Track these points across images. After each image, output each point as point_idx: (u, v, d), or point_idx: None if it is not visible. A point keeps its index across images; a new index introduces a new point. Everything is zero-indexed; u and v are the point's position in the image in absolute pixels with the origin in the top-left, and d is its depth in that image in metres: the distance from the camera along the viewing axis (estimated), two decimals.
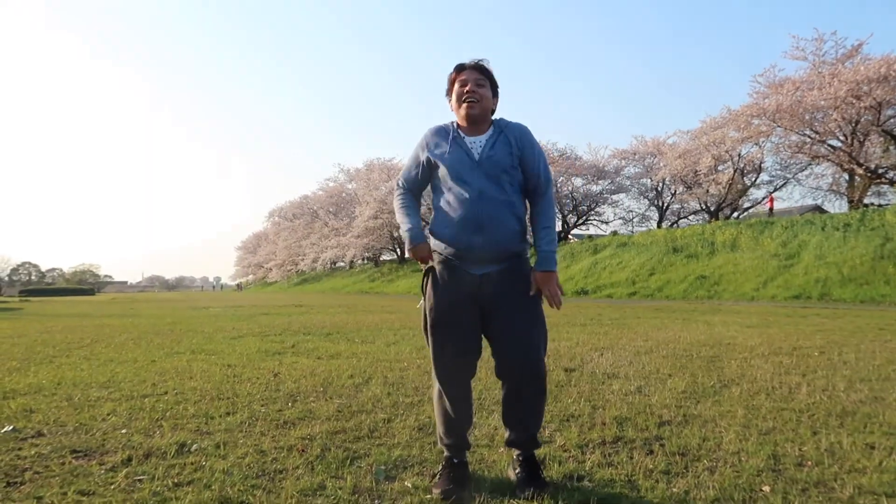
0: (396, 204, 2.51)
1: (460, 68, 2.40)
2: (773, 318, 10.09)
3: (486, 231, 2.25)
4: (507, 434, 2.41)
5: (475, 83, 2.36)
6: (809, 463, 2.54)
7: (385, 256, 55.81)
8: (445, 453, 2.40)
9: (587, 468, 2.52)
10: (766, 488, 2.26)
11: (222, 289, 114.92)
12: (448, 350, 2.29)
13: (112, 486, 2.31)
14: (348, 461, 2.60)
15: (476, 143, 2.36)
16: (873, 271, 15.81)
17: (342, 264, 59.88)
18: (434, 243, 2.38)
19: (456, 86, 2.40)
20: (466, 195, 2.27)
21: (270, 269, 74.60)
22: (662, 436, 2.97)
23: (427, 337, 2.37)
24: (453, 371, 2.32)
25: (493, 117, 2.45)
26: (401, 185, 2.52)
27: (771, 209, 31.32)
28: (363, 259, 56.41)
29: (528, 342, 2.28)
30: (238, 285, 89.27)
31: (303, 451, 2.75)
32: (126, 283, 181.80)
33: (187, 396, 4.01)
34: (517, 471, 2.34)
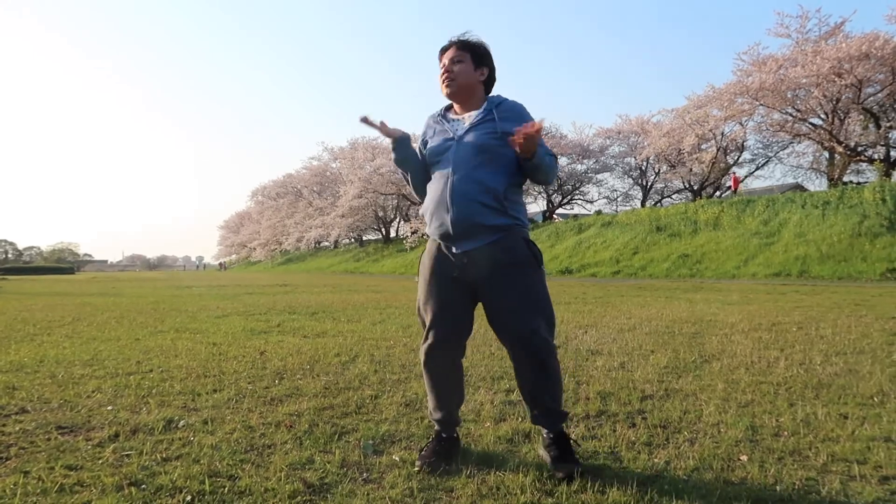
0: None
1: (443, 50, 2.40)
2: (753, 296, 10.26)
3: (456, 207, 2.22)
4: (527, 411, 2.41)
5: (451, 61, 2.36)
6: (786, 433, 2.61)
7: (370, 236, 55.69)
8: (436, 427, 2.42)
9: (571, 441, 2.56)
10: (744, 458, 2.33)
11: (205, 268, 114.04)
12: (435, 327, 2.29)
13: (100, 461, 2.32)
14: (336, 436, 2.63)
15: (459, 123, 2.36)
16: (851, 248, 16.08)
17: (327, 244, 59.64)
18: (427, 228, 2.42)
19: (440, 67, 2.41)
20: (442, 174, 2.30)
21: (254, 249, 74.12)
22: (645, 409, 3.03)
23: (419, 310, 2.39)
24: (440, 348, 2.31)
25: (491, 94, 2.43)
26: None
27: (735, 189, 31.57)
28: (348, 239, 56.25)
29: (518, 318, 2.23)
30: (221, 265, 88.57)
31: (291, 426, 2.77)
32: (106, 262, 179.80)
33: (173, 374, 4.00)
34: (549, 449, 2.29)
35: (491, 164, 2.26)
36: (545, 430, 2.34)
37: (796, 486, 2.04)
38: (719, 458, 2.33)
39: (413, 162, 2.44)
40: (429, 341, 2.31)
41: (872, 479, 2.10)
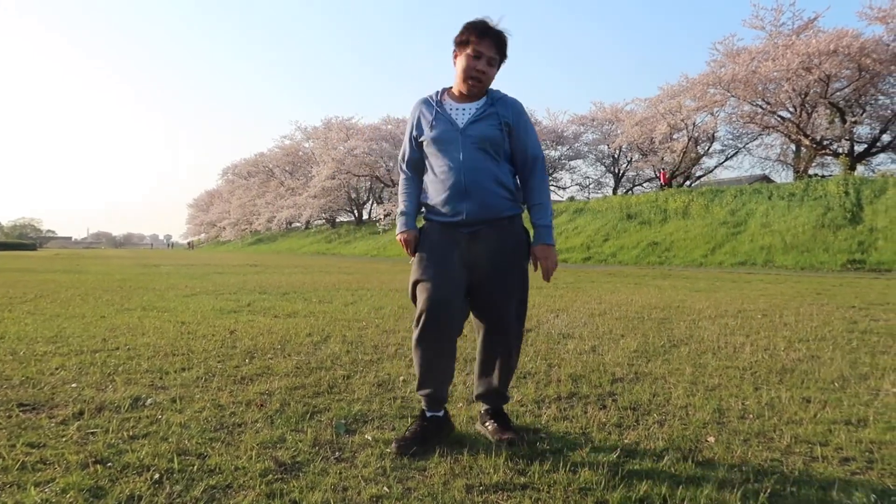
0: (399, 187, 2.51)
1: (482, 33, 2.25)
2: (719, 283, 10.47)
3: (473, 197, 2.26)
4: (476, 388, 2.46)
5: (487, 62, 2.28)
6: (751, 416, 2.67)
7: (342, 218, 55.26)
8: (422, 405, 2.37)
9: (543, 422, 2.59)
10: (711, 439, 2.38)
11: (173, 247, 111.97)
12: (437, 304, 2.22)
13: (63, 439, 2.26)
14: (308, 415, 2.61)
15: (462, 112, 2.33)
16: (814, 239, 16.50)
17: (298, 224, 58.95)
18: (427, 213, 2.41)
19: (469, 52, 2.27)
20: (452, 164, 2.28)
21: (224, 228, 72.92)
22: (615, 392, 3.07)
23: (414, 291, 2.33)
24: (440, 325, 2.24)
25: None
26: (403, 168, 2.48)
27: (664, 183, 32.69)
28: (320, 220, 55.70)
29: (506, 298, 2.31)
30: (189, 244, 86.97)
31: (262, 405, 2.74)
32: (70, 238, 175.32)
33: (140, 352, 3.93)
34: (486, 424, 2.38)
35: (498, 155, 2.32)
36: (485, 406, 2.44)
37: (761, 467, 2.09)
38: (687, 439, 2.37)
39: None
40: (428, 318, 2.22)
41: (834, 461, 2.17)
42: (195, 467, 2.01)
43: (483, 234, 2.29)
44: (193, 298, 7.59)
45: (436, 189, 2.33)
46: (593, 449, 2.25)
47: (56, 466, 2.00)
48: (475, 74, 2.28)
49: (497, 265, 2.30)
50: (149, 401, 2.78)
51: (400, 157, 2.49)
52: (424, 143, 2.36)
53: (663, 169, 34.30)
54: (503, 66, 2.38)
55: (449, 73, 2.45)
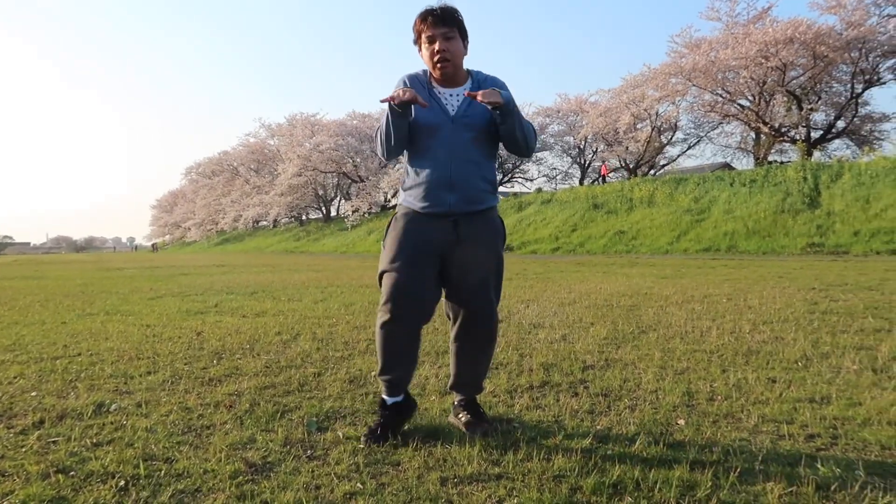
0: (378, 129, 2.27)
1: (424, 17, 2.22)
2: (685, 270, 10.66)
3: (458, 190, 2.24)
4: (452, 378, 2.45)
5: (444, 38, 2.22)
6: (719, 398, 2.72)
7: (311, 215, 54.72)
8: (382, 393, 2.36)
9: (516, 411, 2.59)
10: (682, 422, 2.41)
11: (136, 249, 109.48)
12: (407, 293, 2.21)
13: (23, 449, 2.18)
14: (279, 414, 2.56)
15: (452, 98, 2.29)
16: (775, 224, 16.92)
17: (265, 223, 58.20)
18: (404, 199, 2.34)
19: (423, 41, 2.25)
20: (439, 154, 2.24)
21: (189, 229, 71.55)
22: (586, 379, 3.10)
23: (382, 277, 2.30)
24: (408, 315, 2.24)
25: (467, 68, 2.35)
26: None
27: (604, 175, 34.22)
28: (288, 218, 55.05)
29: (486, 282, 2.30)
30: (153, 245, 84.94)
31: (231, 406, 2.68)
32: (29, 244, 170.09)
33: (103, 357, 3.82)
34: (460, 415, 2.38)
35: (483, 146, 2.31)
36: (458, 397, 2.43)
37: (730, 447, 2.13)
38: (658, 423, 2.40)
39: (406, 128, 2.23)
40: (395, 306, 2.21)
41: (800, 438, 2.22)
42: (162, 472, 1.96)
43: (462, 223, 2.27)
44: (158, 301, 7.42)
45: (418, 177, 2.28)
46: (566, 436, 2.26)
47: (15, 478, 1.93)
48: (439, 56, 2.22)
49: (475, 255, 2.28)
50: (113, 406, 2.70)
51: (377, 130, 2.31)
52: (413, 125, 2.26)
53: (604, 162, 35.26)
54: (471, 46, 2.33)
55: (417, 66, 2.42)
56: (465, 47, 2.30)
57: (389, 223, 2.39)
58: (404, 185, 2.36)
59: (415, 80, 2.31)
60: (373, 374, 3.25)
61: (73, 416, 2.58)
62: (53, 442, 2.26)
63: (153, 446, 2.19)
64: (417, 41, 2.29)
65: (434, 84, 2.31)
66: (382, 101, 2.16)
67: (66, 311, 6.50)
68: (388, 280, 2.25)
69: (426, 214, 2.27)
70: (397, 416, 2.31)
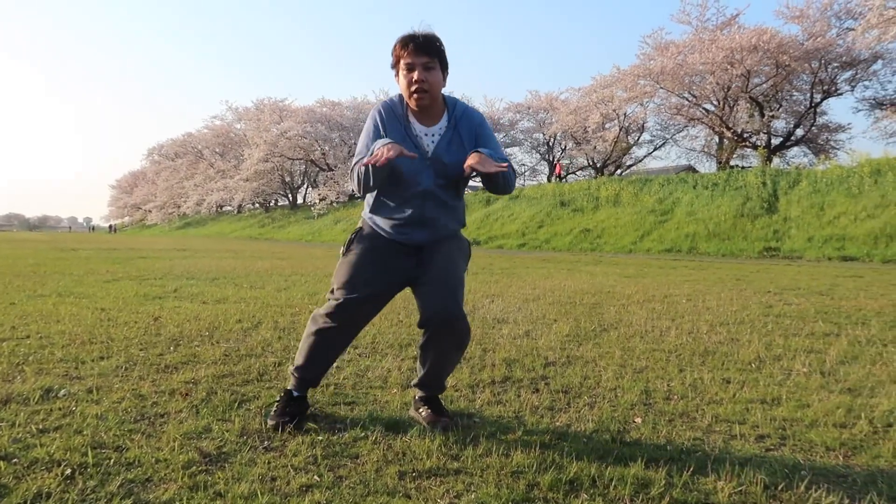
0: (358, 174, 2.16)
1: (405, 43, 2.15)
2: (647, 269, 10.85)
3: (429, 228, 2.27)
4: (417, 378, 2.42)
5: (423, 68, 2.14)
6: (676, 397, 2.77)
7: (277, 202, 53.93)
8: (289, 386, 2.37)
9: (477, 406, 2.60)
10: (638, 420, 2.45)
11: (94, 230, 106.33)
12: (357, 300, 2.21)
13: None
14: (236, 404, 2.52)
15: (429, 136, 2.25)
16: (734, 228, 17.35)
17: (229, 208, 57.14)
18: (370, 218, 2.33)
19: (402, 69, 2.18)
20: (412, 193, 2.22)
21: (149, 211, 69.86)
22: (548, 375, 3.12)
23: (336, 280, 2.27)
24: (354, 318, 2.28)
25: (444, 94, 2.29)
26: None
27: (558, 175, 35.54)
28: (252, 204, 54.16)
29: (452, 294, 2.21)
30: (111, 227, 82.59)
31: (186, 394, 2.62)
32: None
33: (54, 340, 3.69)
34: (420, 410, 2.37)
35: (456, 187, 2.33)
36: (419, 392, 2.43)
37: (684, 446, 2.17)
38: (616, 420, 2.44)
39: (387, 173, 2.15)
40: (342, 321, 2.24)
41: (750, 438, 2.27)
42: (112, 461, 1.90)
43: (428, 249, 2.30)
44: (115, 284, 7.22)
45: (390, 212, 2.28)
46: (526, 432, 2.28)
47: None
48: (416, 87, 2.16)
49: (443, 264, 2.27)
50: (62, 392, 2.62)
51: (355, 161, 2.22)
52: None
53: (558, 161, 36.03)
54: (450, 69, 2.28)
55: (386, 57, 2.35)
56: (445, 78, 2.25)
57: (353, 237, 2.35)
58: (371, 206, 2.34)
59: (391, 115, 2.24)
60: (335, 366, 3.21)
61: (19, 400, 2.48)
62: None
63: (103, 434, 2.13)
64: (395, 66, 2.23)
65: (411, 118, 2.25)
66: (367, 164, 2.05)
67: (16, 291, 6.27)
68: (342, 295, 2.23)
69: (393, 241, 2.29)
70: (301, 409, 2.34)
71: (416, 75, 2.15)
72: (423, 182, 2.23)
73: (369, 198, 2.36)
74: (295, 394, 2.35)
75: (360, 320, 2.33)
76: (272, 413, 2.30)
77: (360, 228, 2.37)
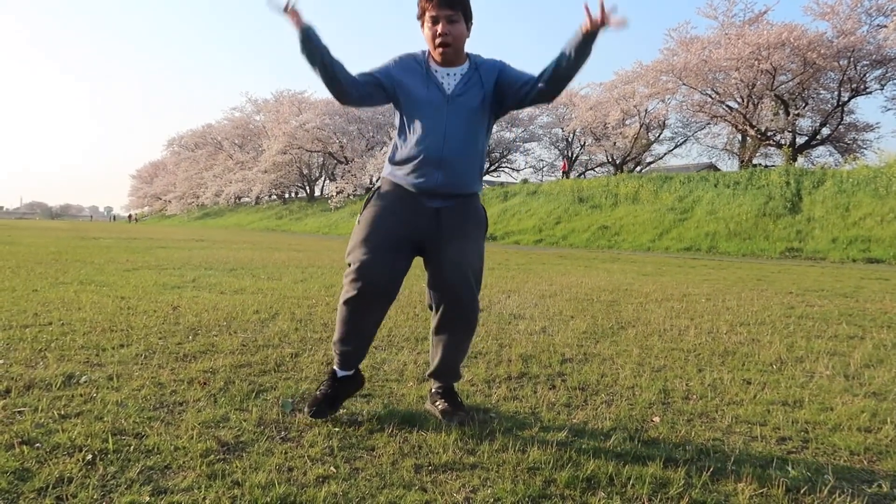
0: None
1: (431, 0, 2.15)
2: (666, 268, 10.74)
3: (447, 167, 2.21)
4: (431, 366, 2.43)
5: (447, 20, 2.15)
6: (695, 396, 2.74)
7: (294, 194, 54.24)
8: (333, 365, 2.36)
9: (493, 401, 2.59)
10: (657, 419, 2.42)
11: (115, 220, 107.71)
12: (376, 267, 2.18)
13: None
14: (253, 394, 2.53)
15: (449, 78, 2.25)
16: (756, 227, 17.11)
17: (247, 200, 57.60)
18: (390, 172, 2.30)
19: (427, 20, 2.19)
20: (432, 131, 2.20)
21: (169, 202, 70.65)
22: (564, 372, 3.10)
23: (351, 252, 2.25)
24: (376, 290, 2.20)
25: (467, 52, 2.30)
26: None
27: (564, 170, 35.83)
28: (270, 195, 54.52)
29: (469, 273, 2.27)
30: (130, 216, 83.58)
31: (205, 383, 2.64)
32: (2, 208, 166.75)
33: (75, 328, 3.74)
34: (437, 403, 2.37)
35: (477, 128, 2.28)
36: (436, 385, 2.42)
37: (704, 446, 2.14)
38: (634, 419, 2.41)
39: (324, 57, 2.12)
40: (361, 288, 2.18)
41: (771, 440, 2.24)
42: (131, 447, 1.92)
43: (444, 212, 2.25)
44: (135, 273, 7.31)
45: (408, 152, 2.23)
46: (542, 428, 2.26)
47: None
48: (440, 40, 2.18)
49: (458, 245, 2.26)
50: (83, 378, 2.65)
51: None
52: (404, 100, 2.24)
53: (567, 157, 36.12)
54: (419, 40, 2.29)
55: (415, 43, 2.37)
56: (469, 30, 2.25)
57: (370, 196, 2.35)
58: (392, 159, 2.30)
59: (410, 60, 2.27)
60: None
61: (42, 386, 2.52)
62: (19, 412, 2.20)
63: (123, 421, 2.15)
64: (420, 17, 2.24)
65: (431, 63, 2.27)
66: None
67: (39, 278, 6.37)
68: (357, 257, 2.21)
69: (411, 194, 2.25)
70: (346, 389, 2.33)
71: (440, 28, 2.17)
72: (442, 120, 2.21)
73: (391, 151, 2.32)
74: (339, 373, 2.32)
75: (383, 283, 2.21)
76: (315, 396, 2.29)
77: (378, 187, 2.35)
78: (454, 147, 2.21)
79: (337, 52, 2.16)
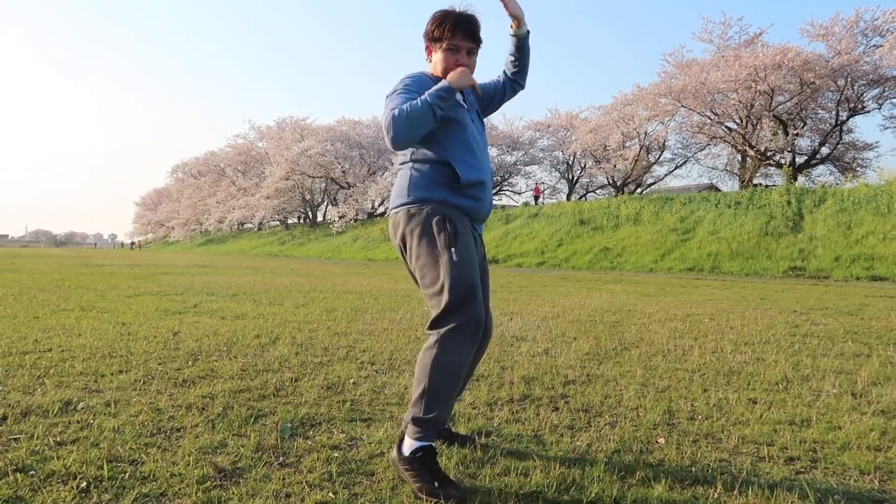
0: (406, 110, 1.91)
1: (454, 26, 2.07)
2: (669, 288, 10.69)
3: (489, 189, 2.17)
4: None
5: (467, 53, 2.11)
6: (700, 417, 2.70)
7: (296, 219, 54.43)
8: (421, 439, 1.92)
9: (495, 424, 2.55)
10: (662, 440, 2.38)
11: (121, 246, 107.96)
12: (480, 314, 1.97)
13: None
14: (252, 419, 2.50)
15: (461, 97, 2.16)
16: (758, 247, 17.07)
17: (250, 226, 57.78)
18: (450, 196, 2.03)
19: (444, 47, 2.09)
20: (478, 152, 2.12)
21: (172, 228, 70.84)
22: (567, 394, 3.06)
23: (464, 292, 1.95)
24: (478, 336, 1.98)
25: None
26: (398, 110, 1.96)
27: (536, 197, 36.47)
28: (273, 221, 54.68)
29: (487, 307, 2.18)
30: (133, 243, 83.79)
31: (203, 409, 2.61)
32: (7, 236, 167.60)
33: (75, 354, 3.72)
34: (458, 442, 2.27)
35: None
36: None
37: (710, 467, 2.10)
38: (638, 440, 2.37)
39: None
40: (477, 330, 1.95)
41: (779, 460, 2.19)
42: (127, 474, 1.89)
43: (482, 235, 2.24)
44: (136, 299, 7.29)
45: (469, 174, 2.04)
46: (545, 451, 2.22)
47: None
48: (462, 69, 2.06)
49: (485, 268, 2.22)
50: (80, 405, 2.62)
51: (395, 105, 1.96)
52: (453, 122, 2.07)
53: (538, 183, 36.84)
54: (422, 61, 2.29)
55: (417, 64, 2.38)
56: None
57: (443, 220, 1.99)
58: (454, 182, 2.03)
59: (427, 80, 2.10)
60: (351, 381, 3.19)
61: (38, 413, 2.49)
62: (15, 439, 2.18)
63: (119, 447, 2.12)
64: (433, 44, 2.14)
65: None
66: (460, 85, 1.97)
67: (40, 305, 6.36)
68: (475, 304, 1.95)
69: (468, 219, 2.08)
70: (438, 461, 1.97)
71: (460, 59, 2.11)
72: (480, 139, 2.18)
73: (433, 174, 2.05)
74: (431, 445, 1.94)
75: (483, 324, 2.01)
76: (433, 487, 1.81)
77: (444, 215, 2.01)
78: (488, 163, 2.20)
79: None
